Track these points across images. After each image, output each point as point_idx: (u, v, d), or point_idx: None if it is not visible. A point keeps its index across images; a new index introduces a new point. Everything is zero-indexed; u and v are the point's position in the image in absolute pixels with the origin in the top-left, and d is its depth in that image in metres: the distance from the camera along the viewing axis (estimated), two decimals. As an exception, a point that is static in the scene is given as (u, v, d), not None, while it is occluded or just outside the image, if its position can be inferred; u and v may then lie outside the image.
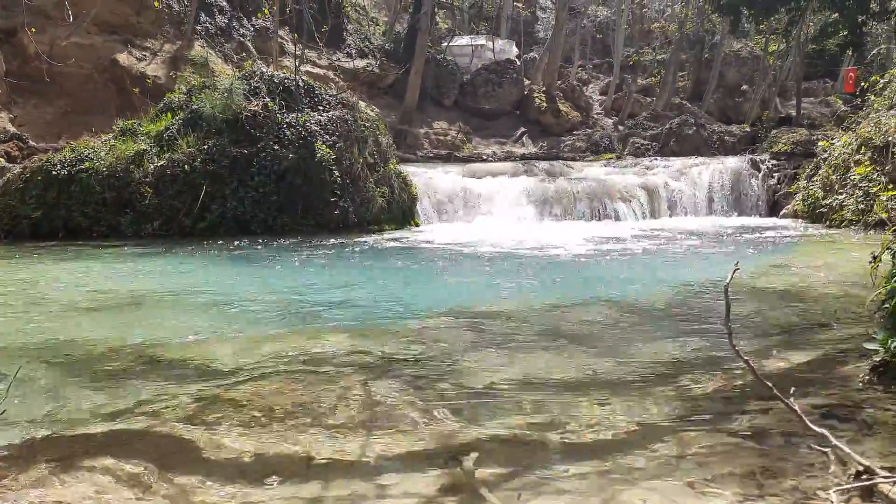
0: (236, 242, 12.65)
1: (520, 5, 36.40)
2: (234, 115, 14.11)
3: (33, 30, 15.75)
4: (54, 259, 10.91)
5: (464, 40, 31.04)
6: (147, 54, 19.98)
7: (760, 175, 20.69)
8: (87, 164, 13.47)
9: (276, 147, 13.96)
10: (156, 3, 19.68)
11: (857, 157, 16.16)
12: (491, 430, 3.83)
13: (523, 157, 24.27)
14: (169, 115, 14.77)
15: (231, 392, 4.48)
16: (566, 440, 3.68)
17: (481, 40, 30.96)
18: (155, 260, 10.85)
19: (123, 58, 19.29)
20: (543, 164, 21.23)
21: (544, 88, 28.71)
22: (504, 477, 3.25)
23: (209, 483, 3.22)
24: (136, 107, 16.83)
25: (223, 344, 5.78)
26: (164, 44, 20.56)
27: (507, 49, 31.27)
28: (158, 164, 13.62)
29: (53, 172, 13.33)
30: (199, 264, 10.62)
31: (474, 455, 3.46)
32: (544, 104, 28.08)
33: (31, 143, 15.79)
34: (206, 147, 13.73)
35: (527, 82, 29.49)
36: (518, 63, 29.95)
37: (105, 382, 4.75)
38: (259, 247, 12.32)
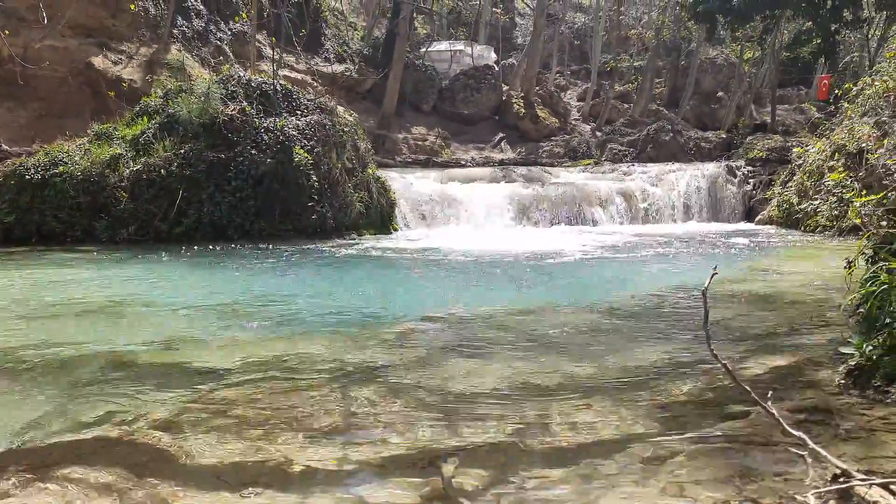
0: (213, 248, 12.54)
1: (498, 11, 36.54)
2: (211, 119, 14.01)
3: (6, 32, 15.51)
4: (27, 264, 10.75)
5: (442, 45, 31.10)
6: (123, 58, 19.78)
7: (736, 181, 20.92)
8: (61, 168, 13.30)
9: (253, 152, 13.87)
10: (131, 6, 19.49)
11: (831, 163, 16.37)
12: (470, 436, 3.81)
13: (502, 163, 24.35)
14: (145, 119, 14.63)
15: (207, 399, 4.42)
16: (545, 446, 3.68)
17: (460, 46, 31.04)
18: (130, 265, 10.72)
19: (98, 61, 19.08)
20: (522, 170, 21.31)
21: (522, 94, 28.82)
22: (483, 484, 3.23)
23: (185, 492, 3.17)
24: (111, 110, 16.65)
25: (199, 351, 5.71)
26: (140, 47, 20.36)
27: (486, 55, 31.38)
28: (134, 169, 13.49)
29: (27, 176, 13.15)
30: (174, 270, 10.51)
31: (453, 462, 3.44)
32: (522, 110, 28.19)
33: (4, 146, 15.53)
34: (182, 151, 13.62)
35: (505, 88, 29.60)
36: (496, 69, 30.06)
37: (77, 390, 4.67)
38: (236, 252, 12.23)
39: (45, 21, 15.97)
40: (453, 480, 3.25)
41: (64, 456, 3.55)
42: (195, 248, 12.49)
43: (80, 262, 10.94)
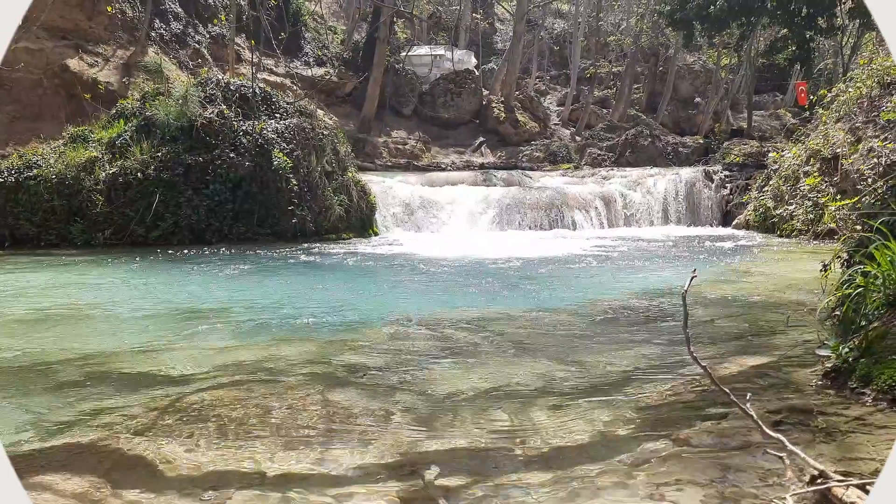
0: (190, 252, 12.43)
1: (478, 17, 36.62)
2: (188, 122, 13.90)
3: (-20, 33, 15.31)
4: None
5: (423, 50, 31.13)
6: (99, 60, 19.58)
7: (713, 186, 21.10)
8: (35, 171, 13.14)
9: (232, 155, 13.78)
10: (108, 9, 19.31)
11: (807, 168, 16.56)
12: (450, 439, 3.79)
13: (482, 167, 24.39)
14: (122, 121, 14.49)
15: (183, 404, 4.37)
16: (526, 449, 3.67)
17: (440, 50, 31.08)
18: (105, 269, 10.60)
19: (74, 63, 18.88)
20: (502, 174, 21.38)
21: (503, 99, 28.91)
22: (464, 487, 3.22)
23: (160, 499, 3.12)
24: (87, 113, 16.48)
25: (175, 355, 5.65)
26: (116, 49, 20.17)
27: (466, 59, 31.44)
28: (110, 172, 13.35)
29: (0, 179, 12.96)
30: (150, 274, 10.40)
31: (434, 466, 3.42)
32: (503, 114, 28.27)
33: (-23, 149, 15.34)
34: (159, 154, 13.50)
35: (485, 92, 29.67)
36: (476, 73, 30.13)
37: (50, 396, 4.60)
38: (214, 256, 12.13)
39: (21, 22, 15.76)
40: (434, 483, 3.23)
41: (37, 464, 3.49)
42: (172, 252, 12.37)
43: (54, 267, 10.80)
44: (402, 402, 4.43)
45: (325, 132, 15.89)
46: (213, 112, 14.16)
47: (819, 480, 2.94)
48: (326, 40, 28.82)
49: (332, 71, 27.07)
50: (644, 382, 4.81)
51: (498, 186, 19.62)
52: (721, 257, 12.96)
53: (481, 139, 27.67)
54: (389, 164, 24.18)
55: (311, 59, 26.92)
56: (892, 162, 12.68)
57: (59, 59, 18.71)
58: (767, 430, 3.26)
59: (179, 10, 22.90)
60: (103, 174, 13.31)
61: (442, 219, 17.55)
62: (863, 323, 4.46)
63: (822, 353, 4.68)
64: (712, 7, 16.23)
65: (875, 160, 13.70)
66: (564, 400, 4.46)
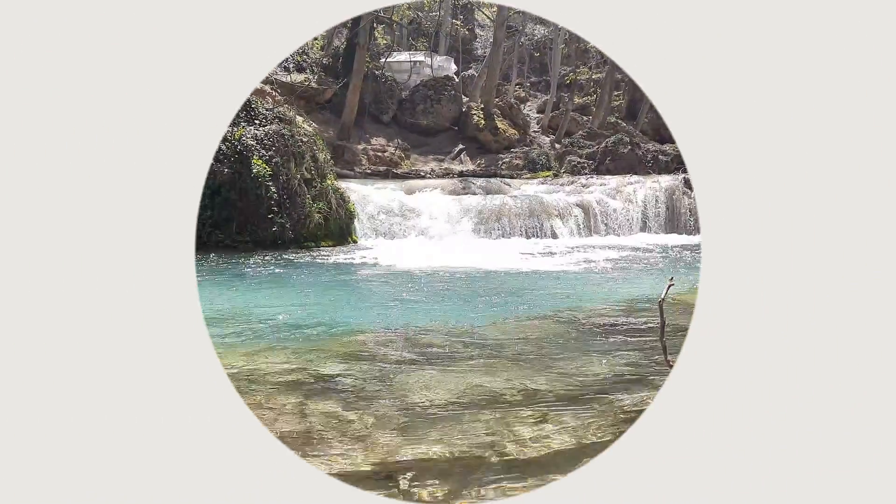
0: (168, 259, 12.31)
1: (458, 23, 36.73)
2: (167, 128, 13.78)
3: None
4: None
5: (402, 56, 31.12)
6: (76, 65, 19.41)
7: (693, 194, 21.24)
8: (9, 177, 12.97)
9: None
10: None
11: (783, 176, 16.72)
12: (428, 448, 3.78)
13: (461, 174, 24.39)
14: (98, 127, 14.34)
15: (159, 414, 4.32)
16: (504, 458, 3.66)
17: (420, 56, 31.09)
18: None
19: (51, 68, 18.68)
20: (481, 182, 21.36)
21: (482, 106, 28.95)
22: (442, 496, 3.20)
23: None
24: (63, 119, 16.29)
25: (152, 363, 5.58)
26: (94, 54, 19.99)
27: (446, 66, 31.48)
28: (86, 178, 13.21)
29: (-27, 185, 12.79)
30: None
31: (411, 474, 3.41)
32: (482, 121, 28.30)
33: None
34: (137, 161, 13.38)
35: (465, 99, 29.71)
36: (456, 80, 30.17)
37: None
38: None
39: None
40: (410, 492, 3.21)
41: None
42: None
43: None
44: (378, 411, 4.41)
45: (304, 139, 15.83)
46: (191, 118, 14.05)
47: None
48: (306, 46, 28.73)
49: (311, 77, 26.99)
50: (622, 391, 4.83)
51: (477, 194, 19.62)
52: (700, 265, 13.05)
53: (461, 147, 27.68)
54: (369, 171, 24.08)
55: (290, 65, 26.82)
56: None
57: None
58: (743, 438, 3.28)
59: (158, 15, 22.74)
60: (79, 180, 13.18)
61: (420, 227, 17.52)
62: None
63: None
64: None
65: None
66: (542, 408, 4.47)
